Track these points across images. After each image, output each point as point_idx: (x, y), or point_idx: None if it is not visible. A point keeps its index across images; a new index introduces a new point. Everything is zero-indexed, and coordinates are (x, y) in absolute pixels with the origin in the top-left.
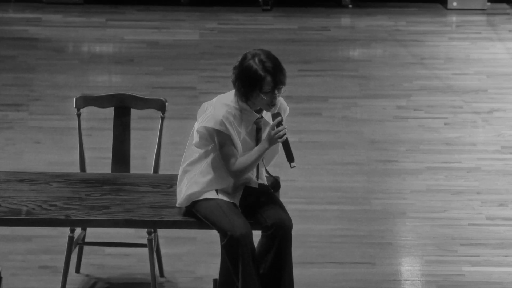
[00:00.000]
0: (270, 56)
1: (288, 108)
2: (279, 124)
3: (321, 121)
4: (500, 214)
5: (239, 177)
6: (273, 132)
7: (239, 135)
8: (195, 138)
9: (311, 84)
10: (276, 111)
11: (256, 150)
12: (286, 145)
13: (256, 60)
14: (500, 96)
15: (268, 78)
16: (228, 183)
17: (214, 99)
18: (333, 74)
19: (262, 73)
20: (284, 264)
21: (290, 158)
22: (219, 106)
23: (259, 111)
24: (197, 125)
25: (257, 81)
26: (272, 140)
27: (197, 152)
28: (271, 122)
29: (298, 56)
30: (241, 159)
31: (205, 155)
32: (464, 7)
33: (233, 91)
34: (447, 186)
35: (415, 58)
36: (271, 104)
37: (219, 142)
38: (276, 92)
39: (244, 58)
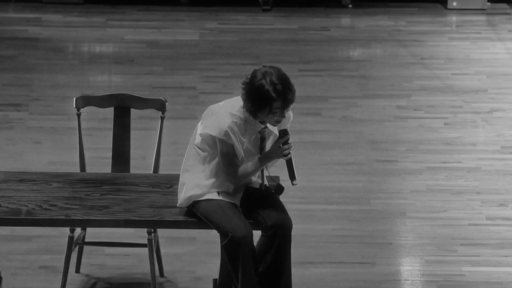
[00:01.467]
0: (280, 76)
1: (292, 115)
2: (286, 142)
3: (321, 121)
4: (500, 214)
5: (237, 185)
6: (279, 149)
7: (242, 144)
8: (198, 139)
9: (311, 84)
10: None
11: (257, 162)
12: (290, 163)
13: (268, 80)
14: (500, 96)
15: (279, 100)
16: (230, 186)
17: (222, 103)
18: (333, 74)
19: (273, 95)
20: (283, 264)
21: (292, 175)
22: (225, 115)
23: (264, 122)
24: (201, 128)
25: (267, 102)
26: (276, 156)
27: (199, 154)
28: (275, 132)
29: (298, 56)
30: (241, 169)
31: (208, 159)
32: (464, 7)
33: (240, 98)
34: (447, 186)
35: (415, 58)
36: (278, 121)
37: (221, 150)
38: (285, 111)
39: (254, 76)
